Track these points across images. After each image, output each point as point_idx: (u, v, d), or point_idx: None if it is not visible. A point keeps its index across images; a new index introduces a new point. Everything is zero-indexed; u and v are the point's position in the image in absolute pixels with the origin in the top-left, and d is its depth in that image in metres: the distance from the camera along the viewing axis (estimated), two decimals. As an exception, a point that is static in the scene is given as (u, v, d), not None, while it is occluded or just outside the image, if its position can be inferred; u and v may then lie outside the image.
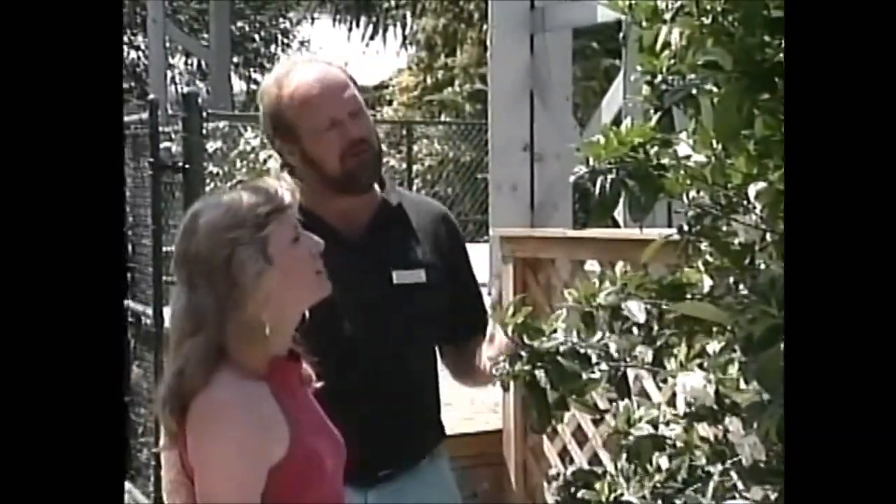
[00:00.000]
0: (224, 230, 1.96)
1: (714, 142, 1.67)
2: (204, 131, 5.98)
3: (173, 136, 5.97)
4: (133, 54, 21.25)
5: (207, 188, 5.54)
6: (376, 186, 2.57)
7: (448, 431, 2.68)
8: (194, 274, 1.98)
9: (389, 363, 2.49)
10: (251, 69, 22.32)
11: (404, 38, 21.98)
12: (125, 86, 20.55)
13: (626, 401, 1.86)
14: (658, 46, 1.67)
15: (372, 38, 23.00)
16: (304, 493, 1.99)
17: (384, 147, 3.16)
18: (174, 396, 1.96)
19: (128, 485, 6.60)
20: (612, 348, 1.84)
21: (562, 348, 1.82)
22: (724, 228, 1.78)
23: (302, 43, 22.84)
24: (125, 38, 21.03)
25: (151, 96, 7.33)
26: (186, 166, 5.50)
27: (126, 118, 6.83)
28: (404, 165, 14.34)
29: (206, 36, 17.11)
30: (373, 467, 2.43)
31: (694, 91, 1.63)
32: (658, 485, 1.78)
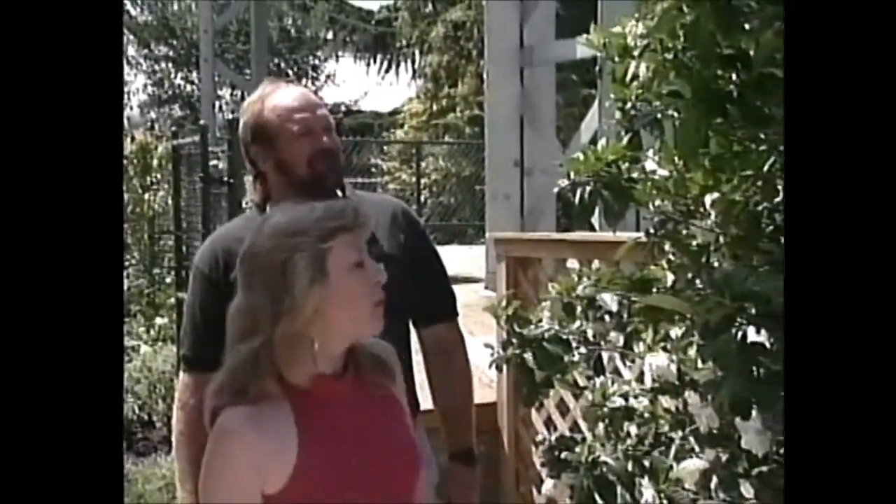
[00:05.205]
0: (286, 234, 1.68)
1: (676, 159, 1.67)
2: (246, 151, 5.96)
3: (220, 155, 5.97)
4: (188, 87, 21.25)
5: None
6: (338, 192, 2.44)
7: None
8: (253, 273, 1.70)
9: None
10: (286, 99, 22.27)
11: (414, 71, 21.94)
12: (181, 113, 20.57)
13: (602, 378, 1.85)
14: (628, 78, 1.66)
15: (387, 71, 22.96)
16: None
17: (395, 164, 3.09)
18: (220, 394, 1.69)
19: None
20: (590, 334, 1.84)
21: (546, 335, 1.81)
22: (685, 232, 1.76)
23: (328, 76, 22.78)
24: (182, 75, 21.05)
25: (202, 122, 7.35)
26: (231, 181, 5.52)
27: (181, 140, 6.86)
28: (414, 179, 14.38)
29: (248, 71, 17.09)
30: None
31: (659, 116, 1.62)
32: (629, 448, 1.77)
